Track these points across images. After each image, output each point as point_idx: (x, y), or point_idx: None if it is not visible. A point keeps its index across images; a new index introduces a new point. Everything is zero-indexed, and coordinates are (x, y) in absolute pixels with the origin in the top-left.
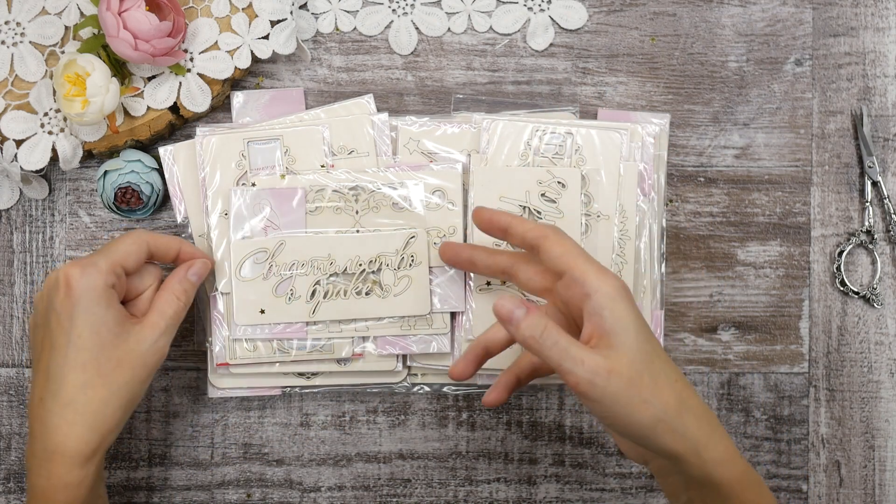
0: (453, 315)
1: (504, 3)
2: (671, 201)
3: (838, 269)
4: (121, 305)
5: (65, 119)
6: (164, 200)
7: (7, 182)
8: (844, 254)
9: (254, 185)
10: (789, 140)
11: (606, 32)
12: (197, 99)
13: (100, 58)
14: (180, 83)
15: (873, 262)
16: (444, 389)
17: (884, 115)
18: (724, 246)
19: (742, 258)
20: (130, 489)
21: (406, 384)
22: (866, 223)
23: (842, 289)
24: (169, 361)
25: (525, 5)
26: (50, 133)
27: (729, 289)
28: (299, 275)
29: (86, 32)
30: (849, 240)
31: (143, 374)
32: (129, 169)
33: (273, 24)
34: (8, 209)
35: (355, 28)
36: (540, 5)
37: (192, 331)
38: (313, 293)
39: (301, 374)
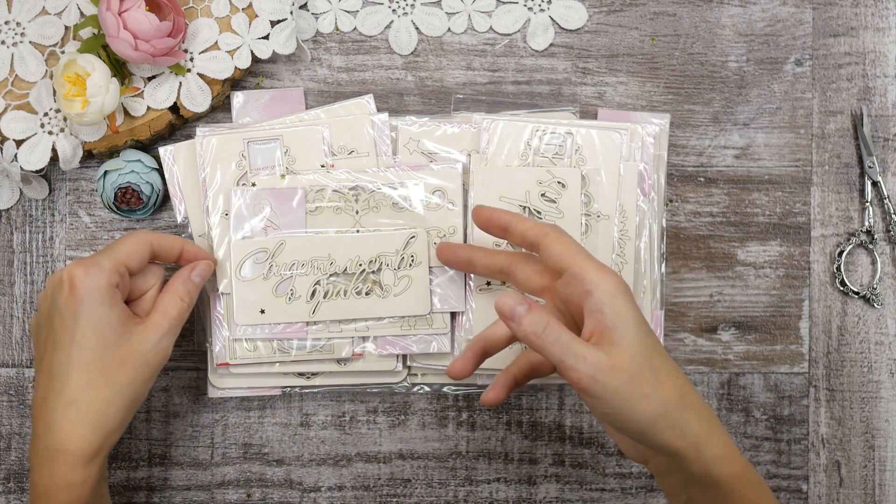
0: (453, 315)
1: (504, 3)
2: (671, 201)
3: (838, 269)
4: (124, 305)
5: (65, 119)
6: (164, 200)
7: (7, 182)
8: (844, 254)
9: (254, 185)
10: (789, 140)
11: (606, 32)
12: (197, 99)
13: (100, 58)
14: (180, 83)
15: (873, 262)
16: (444, 389)
17: (884, 115)
18: (724, 246)
19: (742, 258)
20: (130, 489)
21: (406, 384)
22: (866, 223)
23: (842, 289)
24: (169, 361)
25: (525, 5)
26: (50, 133)
27: (729, 289)
28: (299, 275)
29: (86, 32)
30: (849, 240)
31: (147, 375)
32: (129, 169)
33: (273, 24)
34: (8, 209)
35: (355, 28)
36: (540, 5)
37: (192, 331)
38: (313, 293)
39: (301, 374)
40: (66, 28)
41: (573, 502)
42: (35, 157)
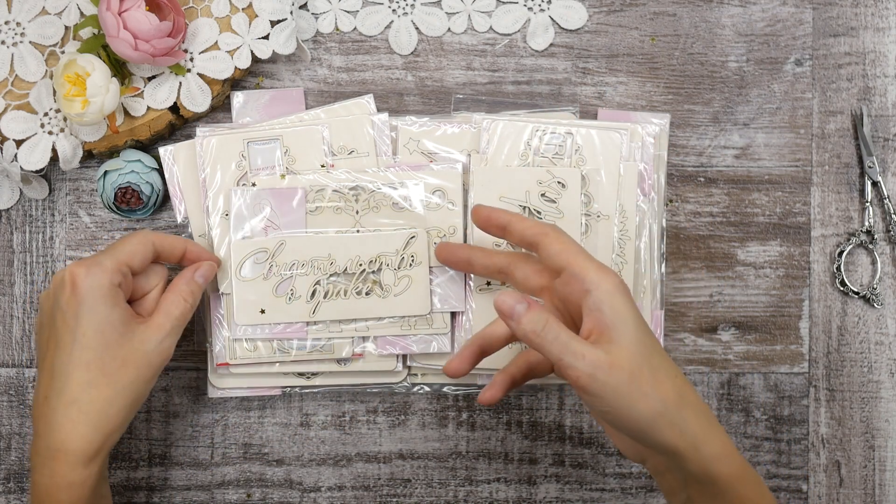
0: (453, 315)
1: (504, 3)
2: (671, 201)
3: (838, 269)
4: (127, 305)
5: (65, 119)
6: (164, 200)
7: (7, 182)
8: (844, 254)
9: (254, 185)
10: (789, 140)
11: (606, 32)
12: (197, 99)
13: (100, 58)
14: (180, 83)
15: (873, 262)
16: (444, 389)
17: (884, 115)
18: (724, 246)
19: (742, 258)
20: (130, 489)
21: (406, 384)
22: (866, 223)
23: (842, 289)
24: (169, 361)
25: (525, 5)
26: (50, 133)
27: (729, 289)
28: (299, 275)
29: (86, 32)
30: (849, 240)
31: (148, 375)
32: (129, 169)
33: (273, 24)
34: (8, 209)
35: (355, 28)
36: (540, 5)
37: (193, 331)
38: (313, 293)
39: (301, 374)
40: (66, 28)
41: (573, 502)
42: (35, 157)
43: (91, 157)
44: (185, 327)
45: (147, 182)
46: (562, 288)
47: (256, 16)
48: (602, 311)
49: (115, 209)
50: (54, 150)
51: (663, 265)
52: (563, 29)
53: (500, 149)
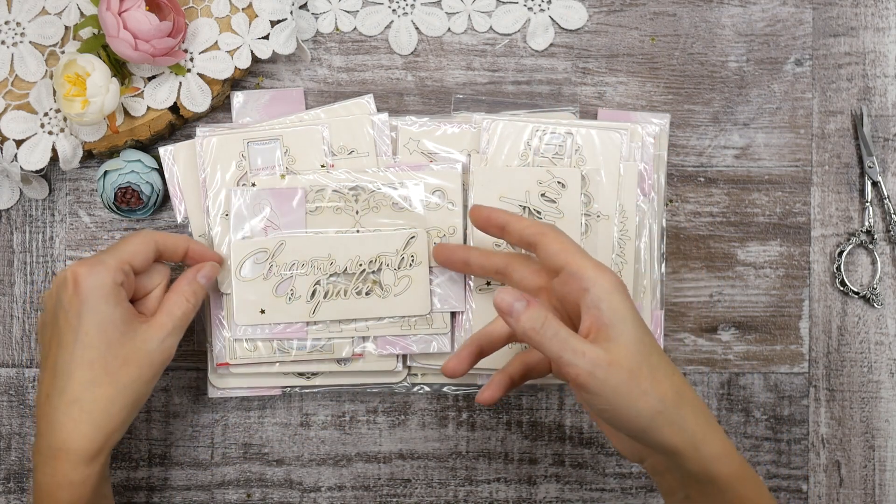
0: (453, 315)
1: (504, 3)
2: (671, 201)
3: (838, 269)
4: (129, 304)
5: (65, 119)
6: (164, 200)
7: (7, 182)
8: (844, 254)
9: (254, 185)
10: (789, 140)
11: (606, 32)
12: (197, 99)
13: (100, 58)
14: (180, 83)
15: (873, 262)
16: (444, 389)
17: (884, 115)
18: (724, 246)
19: (742, 258)
20: (130, 489)
21: (406, 384)
22: (866, 223)
23: (842, 289)
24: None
25: (525, 5)
26: (50, 133)
27: (729, 289)
28: (299, 275)
29: (86, 32)
30: (849, 240)
31: (150, 374)
32: (129, 169)
33: (273, 24)
34: (8, 209)
35: (355, 28)
36: (540, 5)
37: (193, 331)
38: (313, 293)
39: (301, 374)
40: (66, 28)
41: (573, 502)
42: (35, 157)
43: (91, 157)
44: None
45: (147, 182)
46: (560, 287)
47: (256, 16)
48: (601, 309)
49: (115, 209)
50: (54, 150)
51: (663, 265)
52: (563, 29)
53: (500, 149)
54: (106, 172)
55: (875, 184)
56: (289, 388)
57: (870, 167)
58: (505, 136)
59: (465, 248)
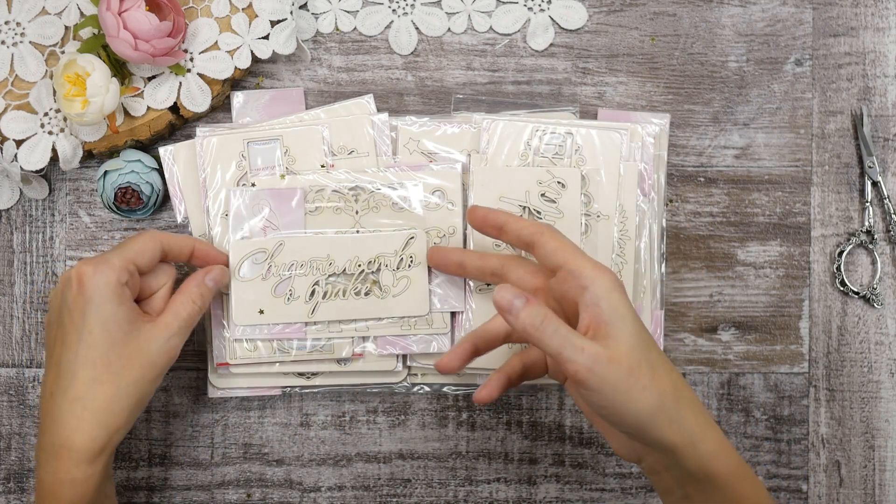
0: (453, 315)
1: (504, 3)
2: (671, 201)
3: (838, 269)
4: (134, 303)
5: (65, 119)
6: (164, 200)
7: (7, 182)
8: (844, 254)
9: (253, 185)
10: (789, 140)
11: (606, 32)
12: (197, 99)
13: (100, 58)
14: (180, 83)
15: (873, 262)
16: (444, 389)
17: (884, 115)
18: (724, 246)
19: (742, 258)
20: (130, 489)
21: (406, 384)
22: (866, 223)
23: (842, 289)
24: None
25: (525, 5)
26: (50, 133)
27: (729, 289)
28: (298, 275)
29: (86, 32)
30: (849, 240)
31: (153, 374)
32: (129, 169)
33: (273, 24)
34: (8, 209)
35: (355, 28)
36: (540, 5)
37: (193, 331)
38: (312, 293)
39: (301, 374)
40: (66, 28)
41: (573, 502)
42: (35, 157)
43: (91, 157)
44: None
45: (147, 182)
46: (558, 286)
47: (256, 16)
48: (600, 306)
49: (115, 209)
50: (54, 150)
51: (663, 265)
52: (563, 29)
53: (500, 149)
54: (106, 172)
55: (875, 184)
56: (289, 388)
57: (870, 167)
58: (505, 136)
59: (460, 250)
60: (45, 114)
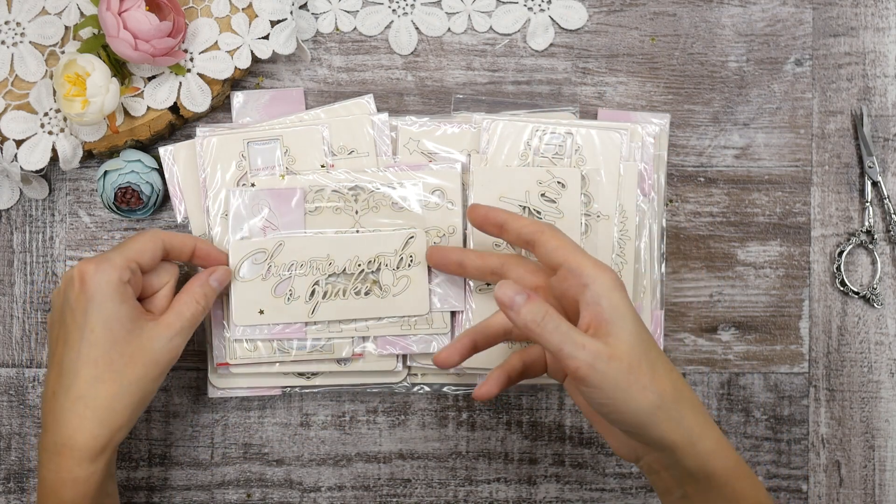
0: (453, 315)
1: (504, 3)
2: (671, 201)
3: (838, 269)
4: (136, 302)
5: (65, 119)
6: (164, 200)
7: (7, 182)
8: (844, 254)
9: (253, 185)
10: (789, 140)
11: (606, 32)
12: (197, 99)
13: (100, 58)
14: (180, 83)
15: (873, 262)
16: (444, 389)
17: (884, 115)
18: (724, 246)
19: (742, 258)
20: (130, 489)
21: (406, 384)
22: (866, 223)
23: (842, 289)
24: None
25: (525, 5)
26: (50, 133)
27: (729, 289)
28: (298, 275)
29: (86, 32)
30: (849, 240)
31: (155, 372)
32: (129, 169)
33: (273, 24)
34: (8, 209)
35: (355, 28)
36: (540, 5)
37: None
38: (312, 293)
39: (301, 374)
40: (66, 28)
41: (573, 502)
42: (35, 157)
43: (91, 157)
44: None
45: (147, 182)
46: (558, 284)
47: (256, 16)
48: (601, 305)
49: (115, 209)
50: (54, 150)
51: (663, 265)
52: (563, 29)
53: (500, 149)
54: (106, 172)
55: (875, 184)
56: (289, 388)
57: (870, 167)
58: (505, 136)
59: (459, 249)
60: (45, 114)
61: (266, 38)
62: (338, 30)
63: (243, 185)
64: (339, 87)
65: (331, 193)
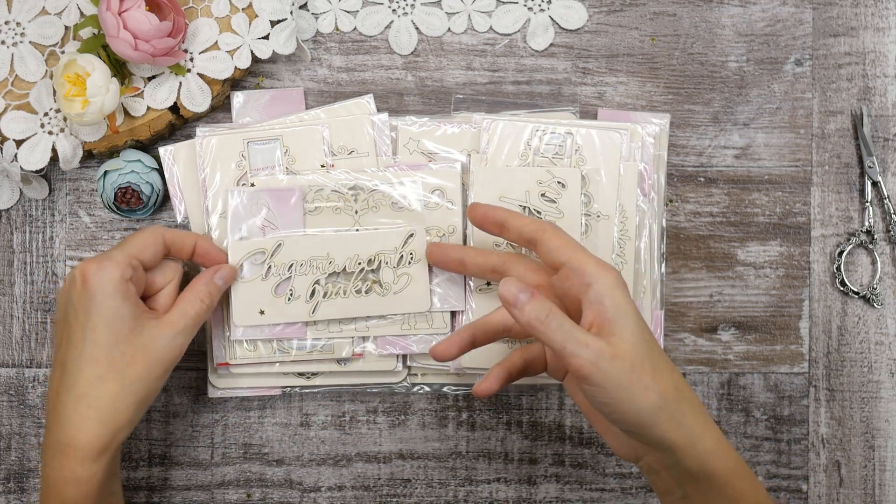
0: (453, 314)
1: (504, 3)
2: (671, 201)
3: (838, 269)
4: (139, 300)
5: (65, 119)
6: (164, 200)
7: (7, 182)
8: (844, 254)
9: (253, 185)
10: (789, 140)
11: (606, 32)
12: (197, 99)
13: (100, 58)
14: (180, 83)
15: (873, 262)
16: (444, 389)
17: (884, 115)
18: (724, 246)
19: (742, 258)
20: (130, 489)
21: (406, 384)
22: (866, 223)
23: (842, 289)
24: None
25: (525, 5)
26: (50, 133)
27: (729, 289)
28: (298, 275)
29: (86, 32)
30: (849, 240)
31: (158, 371)
32: (129, 169)
33: (273, 24)
34: (8, 209)
35: (355, 28)
36: (540, 5)
37: None
38: (312, 293)
39: (301, 374)
40: (66, 28)
41: (573, 502)
42: (35, 157)
43: (91, 157)
44: None
45: (147, 182)
46: (560, 283)
47: (256, 16)
48: (604, 304)
49: (115, 209)
50: (54, 150)
51: (663, 265)
52: (563, 29)
53: (500, 149)
54: (106, 172)
55: (875, 184)
56: (289, 388)
57: (870, 167)
58: (505, 136)
59: (460, 247)
60: (45, 114)
61: (266, 38)
62: (338, 30)
63: (243, 184)
64: (339, 87)
65: (330, 193)
